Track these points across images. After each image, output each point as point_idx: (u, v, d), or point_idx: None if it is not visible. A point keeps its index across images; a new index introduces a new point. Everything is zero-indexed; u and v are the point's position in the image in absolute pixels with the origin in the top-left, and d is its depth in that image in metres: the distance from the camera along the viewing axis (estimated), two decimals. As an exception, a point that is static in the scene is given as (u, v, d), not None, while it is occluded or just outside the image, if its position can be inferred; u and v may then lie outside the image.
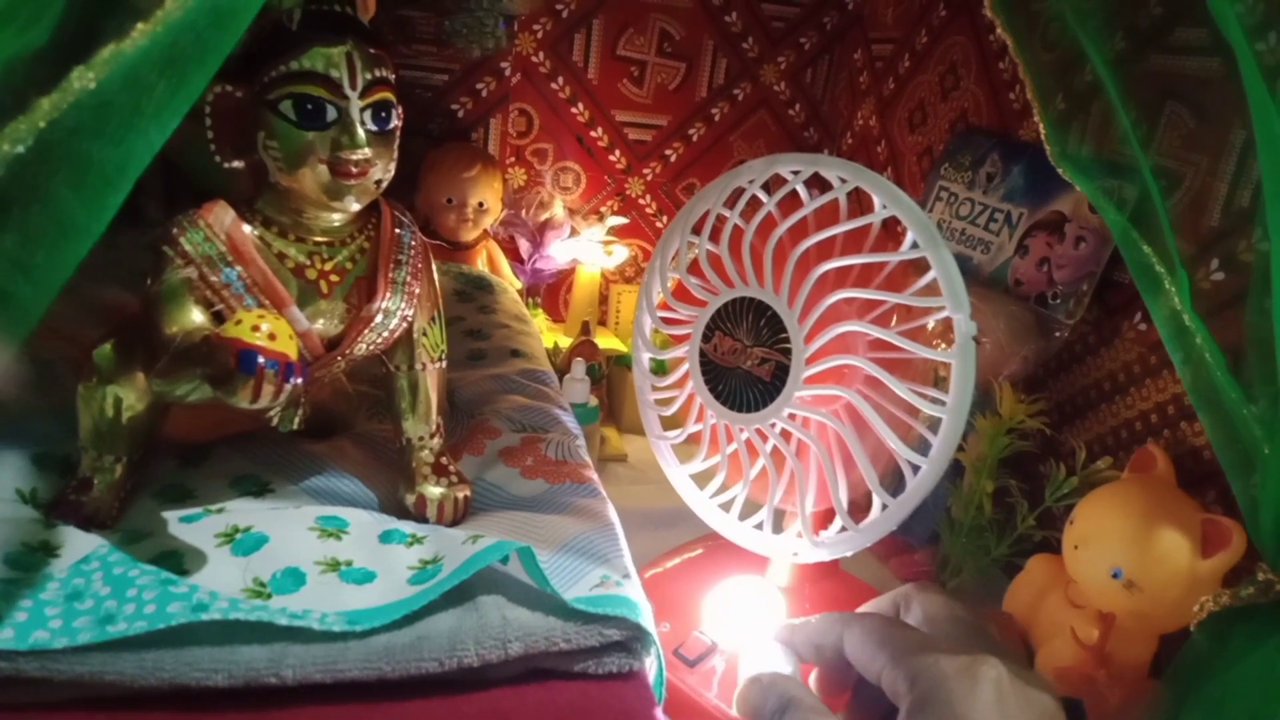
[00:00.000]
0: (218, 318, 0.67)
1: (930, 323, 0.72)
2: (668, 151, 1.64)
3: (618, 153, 1.63)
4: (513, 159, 1.60)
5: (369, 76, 0.66)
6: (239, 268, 0.67)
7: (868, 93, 1.56)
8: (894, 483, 0.72)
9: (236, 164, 0.68)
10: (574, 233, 1.61)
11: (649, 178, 1.66)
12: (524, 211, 1.61)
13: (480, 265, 1.52)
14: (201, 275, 0.66)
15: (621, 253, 1.62)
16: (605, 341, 1.56)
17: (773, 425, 0.72)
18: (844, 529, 0.73)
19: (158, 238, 0.66)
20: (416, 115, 1.53)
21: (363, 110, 0.67)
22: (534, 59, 1.54)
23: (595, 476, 0.87)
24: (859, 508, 0.75)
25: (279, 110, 0.65)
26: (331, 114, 0.65)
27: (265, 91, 0.65)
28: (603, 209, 1.66)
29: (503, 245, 1.58)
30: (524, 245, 1.60)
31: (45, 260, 0.41)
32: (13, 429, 0.76)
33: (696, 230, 0.80)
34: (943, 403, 0.67)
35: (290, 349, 0.57)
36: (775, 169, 0.76)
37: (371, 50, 0.67)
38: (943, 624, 0.58)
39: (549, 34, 1.53)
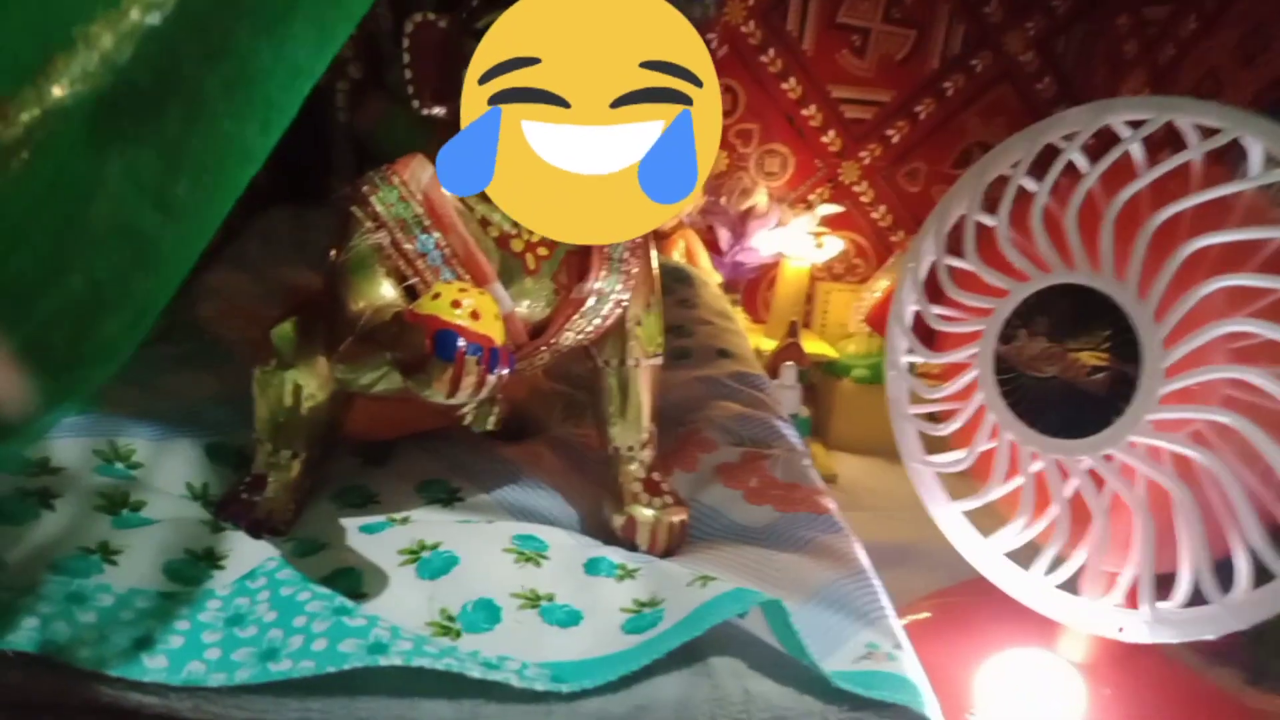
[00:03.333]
0: (411, 293, 0.56)
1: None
2: (889, 131, 1.46)
3: (831, 133, 1.46)
4: (714, 141, 1.46)
5: None
6: (437, 234, 0.56)
7: (1136, 63, 1.32)
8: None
9: (437, 110, 0.56)
10: (780, 223, 1.45)
11: (866, 161, 1.48)
12: (724, 199, 1.46)
13: (676, 257, 1.39)
14: (394, 241, 0.55)
15: (834, 245, 1.45)
16: (811, 345, 1.39)
17: (1107, 458, 0.54)
18: (1200, 602, 0.54)
19: (345, 197, 0.56)
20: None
21: (589, 41, 0.54)
22: (743, 29, 1.39)
23: (834, 506, 0.71)
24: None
25: (490, 40, 0.53)
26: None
27: (473, 19, 0.53)
28: (811, 196, 1.50)
29: (700, 235, 1.44)
30: (724, 235, 1.46)
31: (190, 190, 0.29)
32: (186, 413, 0.69)
33: (991, 200, 0.62)
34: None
35: (496, 331, 0.45)
36: (1105, 119, 0.57)
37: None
38: None
39: (761, 1, 1.38)
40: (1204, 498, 0.54)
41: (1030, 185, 0.62)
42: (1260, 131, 0.52)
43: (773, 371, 1.22)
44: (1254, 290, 0.52)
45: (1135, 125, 0.58)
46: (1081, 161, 0.60)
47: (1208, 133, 0.55)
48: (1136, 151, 0.58)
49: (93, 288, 0.30)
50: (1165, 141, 0.58)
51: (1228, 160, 0.58)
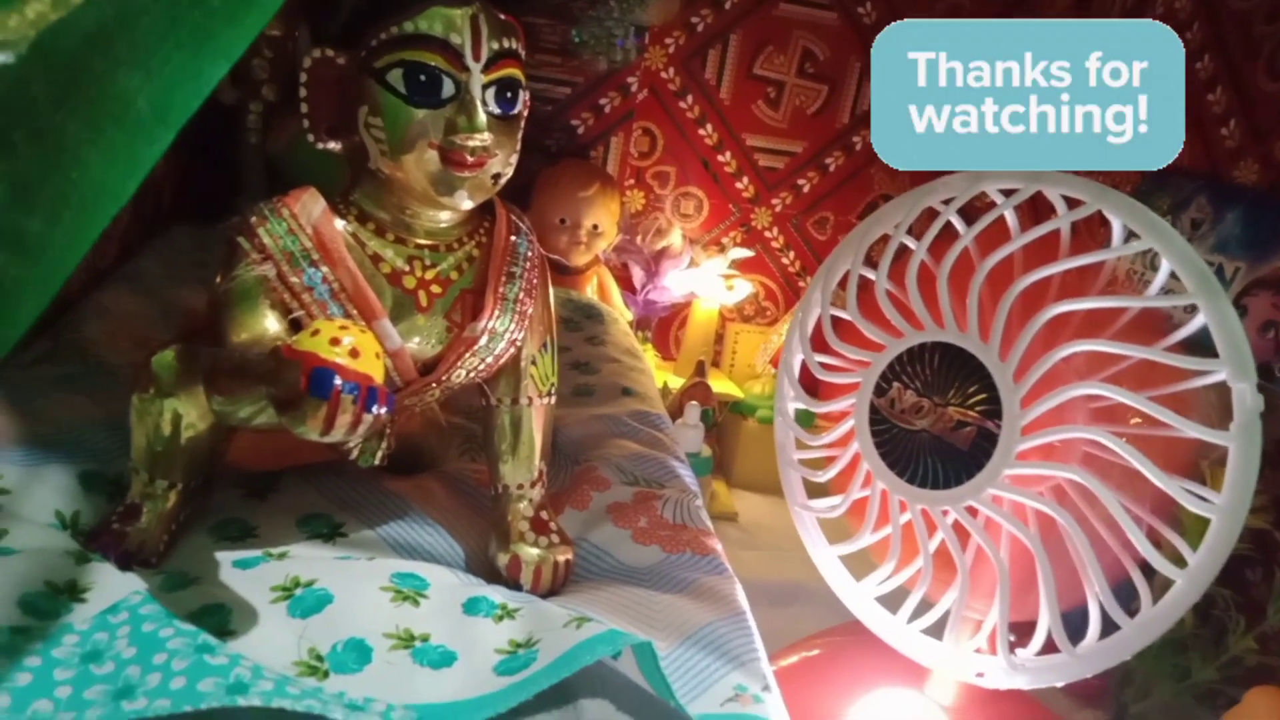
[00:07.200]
0: (295, 326, 0.55)
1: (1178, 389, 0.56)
2: (800, 181, 1.50)
3: (745, 180, 1.50)
4: (632, 181, 1.49)
5: (496, 47, 0.55)
6: (325, 268, 0.56)
7: (1033, 126, 1.39)
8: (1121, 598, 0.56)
9: (332, 145, 0.57)
10: (693, 264, 1.48)
11: (778, 209, 1.52)
12: (640, 238, 1.49)
13: (589, 293, 1.40)
14: (280, 274, 0.55)
15: (743, 288, 1.48)
16: (719, 385, 1.41)
17: (970, 510, 0.56)
18: (1051, 651, 0.56)
19: (232, 227, 0.56)
20: (534, 129, 1.42)
21: (485, 87, 0.55)
22: (663, 75, 1.43)
23: (719, 547, 0.73)
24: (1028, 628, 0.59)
25: (386, 81, 0.54)
26: (448, 89, 0.54)
27: (372, 58, 0.54)
28: (725, 240, 1.54)
29: (614, 273, 1.46)
30: (637, 274, 1.48)
31: (46, 228, 0.29)
32: (62, 438, 0.67)
33: (872, 258, 0.65)
34: (1211, 501, 0.51)
35: (375, 370, 0.45)
36: (981, 187, 0.61)
37: (501, 16, 0.56)
38: None
39: (681, 49, 1.41)
40: (1065, 549, 0.57)
41: (911, 243, 0.65)
42: (1118, 206, 0.56)
43: (678, 409, 1.23)
44: (1114, 354, 0.56)
45: (1009, 193, 0.61)
46: (959, 224, 0.63)
47: (1075, 203, 0.59)
48: (1010, 218, 0.61)
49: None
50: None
51: (1101, 230, 0.62)
